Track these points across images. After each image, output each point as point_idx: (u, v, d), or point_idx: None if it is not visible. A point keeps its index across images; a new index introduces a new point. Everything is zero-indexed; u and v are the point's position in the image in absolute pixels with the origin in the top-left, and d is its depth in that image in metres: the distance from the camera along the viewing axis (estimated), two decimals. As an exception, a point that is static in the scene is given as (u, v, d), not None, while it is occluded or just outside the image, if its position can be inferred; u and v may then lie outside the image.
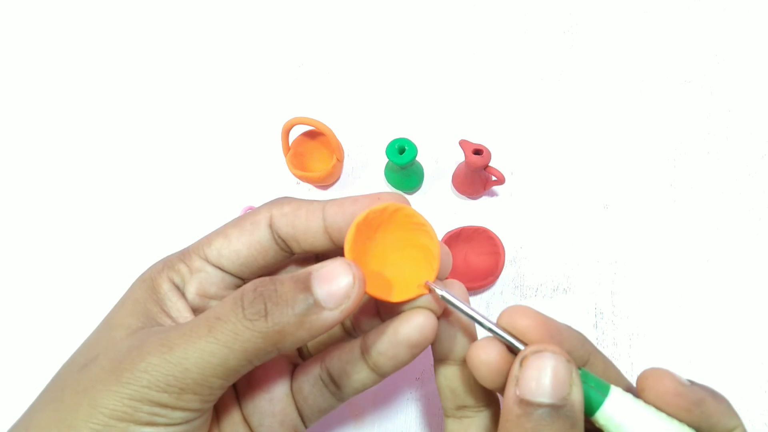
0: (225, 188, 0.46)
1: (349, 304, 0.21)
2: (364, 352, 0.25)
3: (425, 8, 0.54)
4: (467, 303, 0.23)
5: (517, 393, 0.20)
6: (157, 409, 0.20)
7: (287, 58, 0.52)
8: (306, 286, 0.21)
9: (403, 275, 0.24)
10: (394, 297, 0.23)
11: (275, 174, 0.46)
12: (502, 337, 0.22)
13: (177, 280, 0.25)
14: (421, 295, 0.24)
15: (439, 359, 0.26)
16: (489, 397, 0.26)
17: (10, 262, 0.44)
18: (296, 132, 0.45)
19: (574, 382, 0.20)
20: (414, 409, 0.38)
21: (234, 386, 0.27)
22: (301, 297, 0.21)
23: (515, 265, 0.42)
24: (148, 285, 0.24)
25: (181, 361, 0.20)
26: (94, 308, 0.34)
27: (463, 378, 0.25)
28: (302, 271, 0.22)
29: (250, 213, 0.26)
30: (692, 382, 0.21)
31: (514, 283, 0.42)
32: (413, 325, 0.23)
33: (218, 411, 0.26)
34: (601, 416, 0.21)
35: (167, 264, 0.25)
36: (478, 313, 0.23)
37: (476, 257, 0.42)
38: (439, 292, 0.23)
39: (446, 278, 0.26)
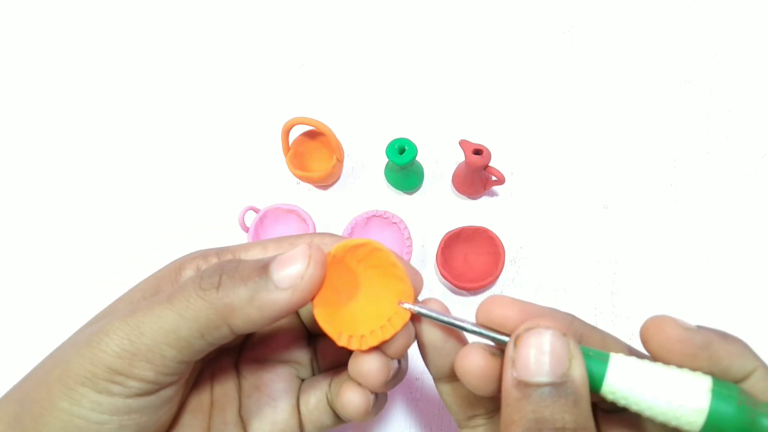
0: (225, 188, 0.46)
1: (302, 285, 0.21)
2: (332, 400, 0.25)
3: (425, 8, 0.54)
4: (447, 314, 0.22)
5: (515, 375, 0.19)
6: (112, 376, 0.20)
7: (287, 58, 0.52)
8: (265, 267, 0.21)
9: (360, 318, 0.23)
10: (326, 325, 0.22)
11: (275, 174, 0.46)
12: (486, 335, 0.21)
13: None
14: (348, 349, 0.22)
15: (437, 378, 0.25)
16: (497, 401, 0.25)
17: (18, 259, 0.44)
18: (296, 132, 0.45)
19: (574, 356, 0.19)
20: (414, 409, 0.38)
21: (239, 386, 0.27)
22: (255, 274, 0.21)
23: (515, 265, 0.42)
24: (176, 266, 0.25)
25: (138, 325, 0.20)
26: (96, 303, 0.34)
27: (465, 391, 0.24)
28: (267, 257, 0.22)
29: (295, 236, 0.26)
30: (700, 327, 0.20)
31: (514, 283, 0.42)
32: (341, 401, 0.24)
33: (213, 405, 0.26)
34: (608, 389, 0.19)
35: (203, 254, 0.26)
36: (456, 318, 0.22)
37: (476, 257, 0.42)
38: (412, 308, 0.22)
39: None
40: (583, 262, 0.42)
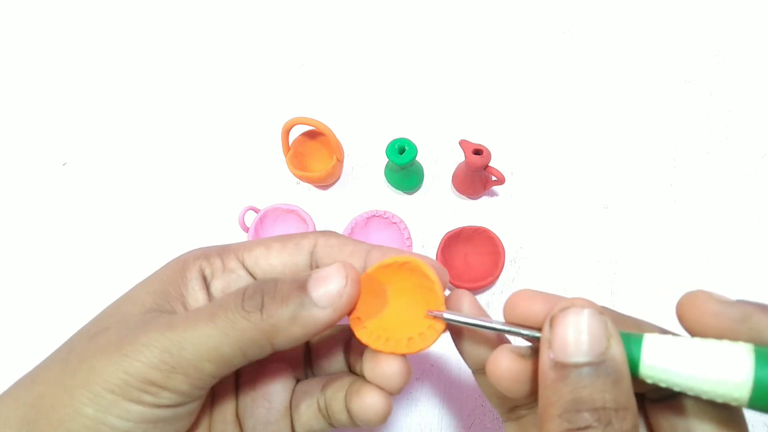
0: (225, 188, 0.46)
1: (341, 303, 0.22)
2: (347, 402, 0.25)
3: (425, 8, 0.54)
4: (478, 314, 0.23)
5: (551, 356, 0.18)
6: (146, 386, 0.20)
7: (287, 58, 0.52)
8: (303, 286, 0.22)
9: (391, 328, 0.23)
10: (364, 336, 0.23)
11: (275, 174, 0.46)
12: (516, 332, 0.21)
13: (207, 272, 0.25)
14: (381, 352, 0.23)
15: (475, 370, 0.25)
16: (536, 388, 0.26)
17: (19, 258, 0.44)
18: (296, 132, 0.45)
19: (612, 335, 0.18)
20: (414, 409, 0.38)
21: (236, 386, 0.27)
22: (295, 294, 0.21)
23: (515, 265, 0.42)
24: (179, 267, 0.25)
25: (180, 340, 0.21)
26: (99, 300, 0.34)
27: None
28: (303, 274, 0.23)
29: (298, 234, 0.26)
30: (740, 300, 0.19)
31: (514, 283, 0.42)
32: (361, 405, 0.24)
33: (213, 406, 0.26)
34: (645, 369, 0.18)
35: (205, 253, 0.26)
36: (485, 320, 0.22)
37: (476, 257, 0.42)
38: (441, 315, 0.23)
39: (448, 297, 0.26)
40: (583, 262, 0.42)
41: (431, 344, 0.23)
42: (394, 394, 0.24)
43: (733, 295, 0.41)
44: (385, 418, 0.24)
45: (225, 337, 0.21)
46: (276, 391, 0.27)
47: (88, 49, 0.53)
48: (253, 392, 0.26)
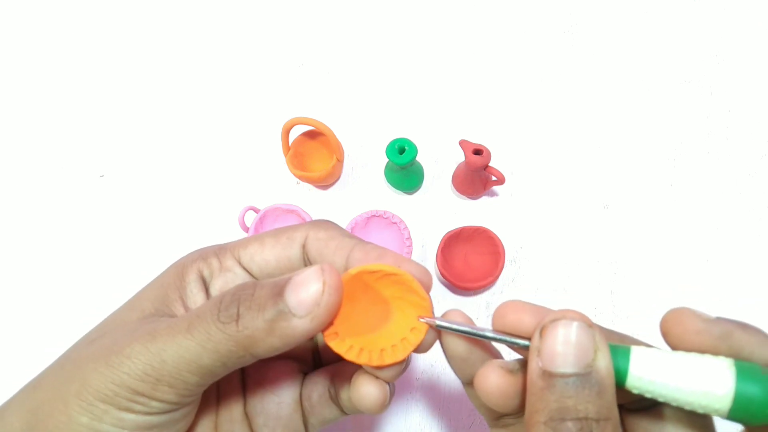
0: (225, 188, 0.46)
1: (319, 312, 0.21)
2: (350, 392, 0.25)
3: (425, 8, 0.54)
4: (466, 324, 0.23)
5: (540, 365, 0.19)
6: (134, 396, 0.20)
7: (287, 58, 0.52)
8: (280, 292, 0.21)
9: (366, 337, 0.23)
10: (335, 346, 0.22)
11: (275, 174, 0.46)
12: (505, 341, 0.21)
13: (206, 273, 0.25)
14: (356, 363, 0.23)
15: (464, 383, 0.26)
16: (525, 401, 0.26)
17: (19, 261, 0.44)
18: (296, 132, 0.45)
19: (599, 347, 0.19)
20: (414, 409, 0.38)
21: (243, 383, 0.27)
22: (271, 303, 0.21)
23: (515, 265, 0.42)
24: (178, 271, 0.25)
25: (160, 352, 0.20)
26: (101, 301, 0.34)
27: None
28: (283, 277, 0.22)
29: (291, 227, 0.26)
30: (720, 318, 0.20)
31: (514, 283, 0.42)
32: (359, 394, 0.24)
33: (219, 405, 0.26)
34: (632, 380, 0.19)
35: (202, 255, 0.26)
36: (474, 327, 0.22)
37: (476, 257, 0.42)
38: (431, 321, 0.23)
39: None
40: (583, 262, 0.42)
41: (406, 356, 0.23)
42: (390, 381, 0.24)
43: (733, 296, 0.41)
44: (382, 405, 0.24)
45: (202, 349, 0.20)
46: (285, 387, 0.27)
47: (88, 48, 0.53)
48: (261, 390, 0.27)
